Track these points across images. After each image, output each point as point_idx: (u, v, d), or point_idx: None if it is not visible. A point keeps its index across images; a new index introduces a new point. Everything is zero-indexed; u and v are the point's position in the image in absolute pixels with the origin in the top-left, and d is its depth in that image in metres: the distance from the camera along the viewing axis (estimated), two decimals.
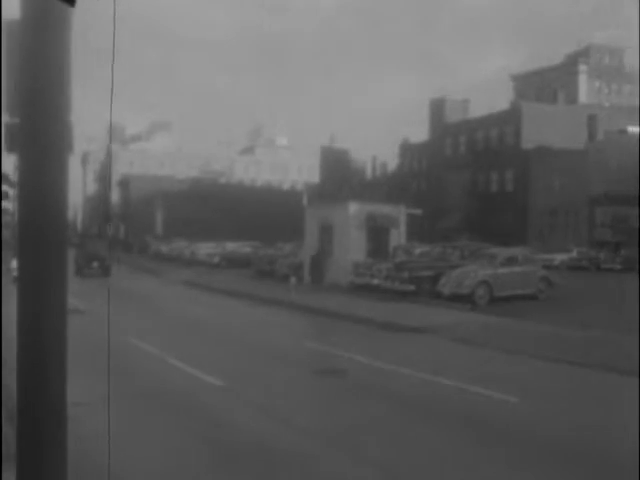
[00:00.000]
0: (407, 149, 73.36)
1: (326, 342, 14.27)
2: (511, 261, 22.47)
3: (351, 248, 25.53)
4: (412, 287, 21.99)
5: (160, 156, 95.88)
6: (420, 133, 70.66)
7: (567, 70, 79.06)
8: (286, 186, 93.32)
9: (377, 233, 26.37)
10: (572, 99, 72.46)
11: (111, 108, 3.27)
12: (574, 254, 43.81)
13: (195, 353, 12.60)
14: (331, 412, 8.75)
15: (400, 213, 27.49)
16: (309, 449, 7.03)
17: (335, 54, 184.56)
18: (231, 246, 42.79)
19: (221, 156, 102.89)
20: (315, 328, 17.65)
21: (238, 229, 52.76)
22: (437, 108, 68.83)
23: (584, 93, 76.92)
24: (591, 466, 6.63)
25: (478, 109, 67.67)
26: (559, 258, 41.70)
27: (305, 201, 56.65)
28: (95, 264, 31.76)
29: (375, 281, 23.10)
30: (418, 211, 30.82)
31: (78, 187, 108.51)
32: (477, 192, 61.87)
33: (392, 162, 76.62)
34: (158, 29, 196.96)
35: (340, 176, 72.82)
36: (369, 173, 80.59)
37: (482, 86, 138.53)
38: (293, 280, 22.61)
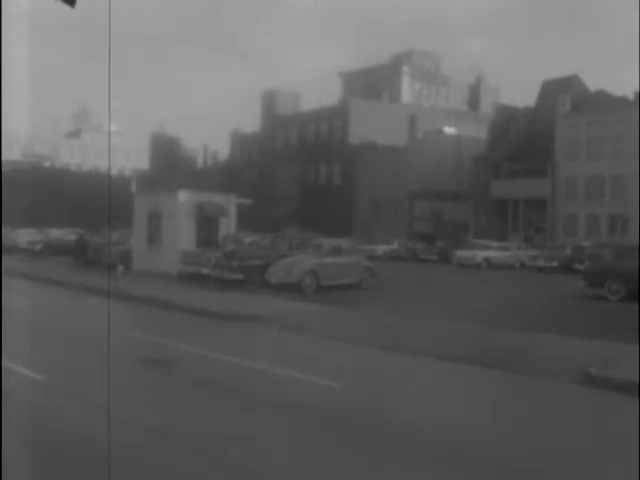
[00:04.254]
0: (239, 139, 73.44)
1: (153, 332, 14.09)
2: (337, 251, 23.39)
3: (180, 237, 25.33)
4: (241, 276, 22.25)
5: None
6: (252, 124, 71.00)
7: (391, 71, 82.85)
8: (114, 172, 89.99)
9: (207, 222, 26.32)
10: (395, 98, 76.10)
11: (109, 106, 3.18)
12: (395, 245, 46.25)
13: (11, 345, 11.99)
14: (157, 403, 8.65)
15: (230, 203, 27.62)
16: (135, 442, 6.94)
17: (169, 42, 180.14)
18: (55, 233, 40.73)
19: (45, 139, 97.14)
20: (142, 318, 17.31)
21: (63, 215, 50.35)
22: (269, 100, 69.48)
23: (406, 94, 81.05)
24: (408, 443, 7.15)
25: (309, 103, 69.18)
26: (381, 249, 43.89)
27: (134, 188, 55.04)
28: None
29: (204, 270, 23.09)
30: (248, 201, 31.11)
31: None
32: (306, 184, 63.33)
33: (224, 152, 76.37)
34: None
35: (170, 164, 71.51)
36: (200, 162, 79.77)
37: (313, 81, 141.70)
38: (120, 269, 22.06)
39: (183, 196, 26.32)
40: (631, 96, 52.93)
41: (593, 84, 59.51)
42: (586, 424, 8.09)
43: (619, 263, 21.80)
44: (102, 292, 20.36)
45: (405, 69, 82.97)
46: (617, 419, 8.31)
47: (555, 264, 34.58)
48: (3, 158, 72.49)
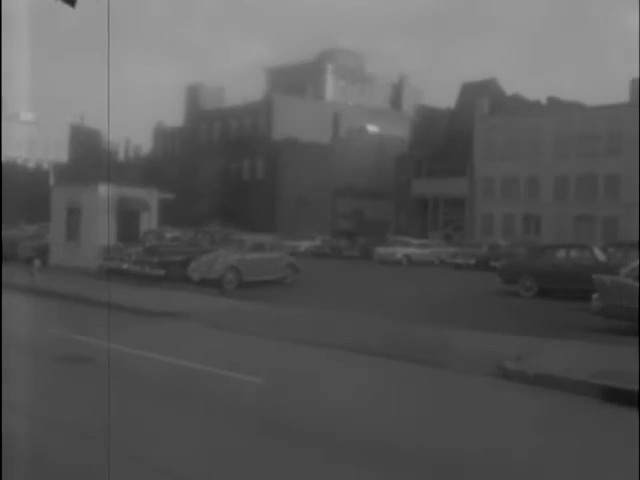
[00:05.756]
0: (161, 133, 72.31)
1: (72, 328, 13.77)
2: (259, 247, 23.41)
3: (100, 232, 24.79)
4: (162, 272, 21.98)
5: None
6: (175, 118, 70.05)
7: (316, 68, 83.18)
8: (31, 164, 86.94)
9: (128, 217, 25.86)
10: (319, 96, 76.50)
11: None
12: (318, 242, 46.56)
13: None
14: (75, 401, 8.48)
15: (152, 197, 27.23)
16: (54, 441, 6.82)
17: (89, 32, 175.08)
18: None
19: None
20: (60, 314, 16.88)
21: None
22: (192, 94, 68.68)
23: (330, 91, 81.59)
24: (331, 436, 7.28)
25: (233, 98, 68.69)
26: (304, 245, 44.12)
27: (52, 181, 53.42)
28: None
29: (125, 265, 22.69)
30: (171, 196, 30.74)
31: None
32: (229, 179, 62.97)
33: (146, 146, 74.99)
34: None
35: (90, 157, 69.70)
36: (121, 155, 78.05)
37: (237, 76, 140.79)
38: (37, 263, 21.42)
39: (103, 190, 25.77)
40: (544, 100, 55.07)
41: (509, 88, 61.57)
42: (499, 415, 8.42)
43: (532, 261, 22.68)
44: (17, 287, 19.74)
45: (329, 67, 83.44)
46: (529, 410, 8.69)
47: (472, 261, 35.67)
48: None
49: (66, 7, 2.97)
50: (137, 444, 6.79)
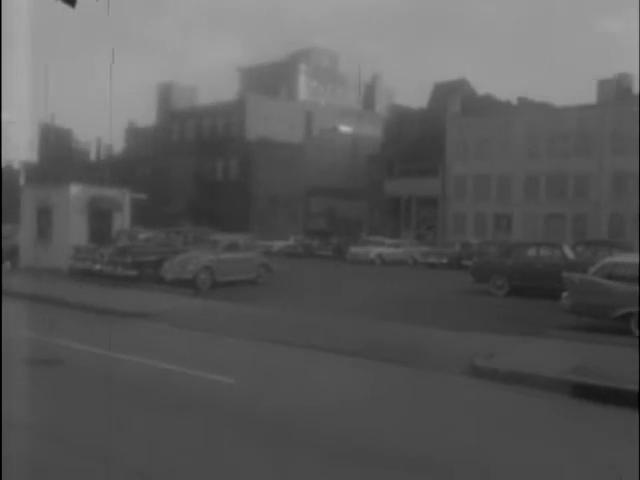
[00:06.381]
0: (133, 133, 71.74)
1: (43, 330, 13.62)
2: (233, 247, 23.36)
3: (72, 232, 24.56)
4: (135, 272, 21.84)
5: None
6: (147, 117, 69.59)
7: (289, 68, 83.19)
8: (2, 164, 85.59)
9: (100, 217, 25.66)
10: (292, 96, 76.52)
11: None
12: (291, 242, 46.58)
13: None
14: (47, 403, 8.39)
15: (124, 197, 27.04)
16: (26, 443, 6.76)
17: (59, 31, 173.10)
18: None
19: None
20: (31, 316, 16.69)
21: None
22: (165, 93, 68.25)
23: (303, 91, 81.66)
24: (302, 434, 7.33)
25: (206, 98, 68.41)
26: (278, 245, 44.15)
27: (22, 181, 52.72)
28: None
29: (97, 266, 22.50)
30: (143, 196, 30.54)
31: None
32: (202, 179, 62.69)
33: (118, 145, 74.34)
34: None
35: (61, 157, 68.90)
36: (93, 155, 77.30)
37: (210, 76, 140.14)
38: (7, 265, 21.18)
39: (75, 190, 25.53)
40: (514, 101, 55.69)
41: (480, 88, 62.16)
42: (470, 413, 8.53)
43: (503, 260, 22.93)
44: None
45: (302, 67, 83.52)
46: (499, 407, 8.82)
47: (445, 260, 35.96)
48: None
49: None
50: (108, 444, 6.75)
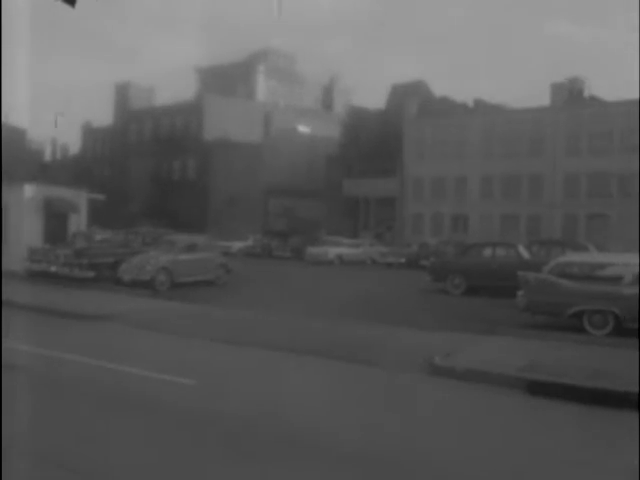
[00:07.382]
0: (90, 133, 70.72)
1: None
2: (191, 248, 23.25)
3: (27, 233, 24.14)
4: (92, 274, 21.58)
5: None
6: (104, 117, 68.61)
7: (247, 68, 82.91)
8: None
9: (55, 218, 25.27)
10: (251, 96, 76.30)
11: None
12: (250, 242, 46.44)
13: None
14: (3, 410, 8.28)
15: (81, 198, 26.68)
16: None
17: (15, 29, 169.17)
18: None
19: None
20: None
21: None
22: (122, 93, 67.43)
23: (261, 91, 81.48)
24: (263, 435, 7.37)
25: (163, 97, 67.78)
26: (237, 245, 43.99)
27: None
28: None
29: (53, 268, 22.16)
30: (100, 196, 30.17)
31: None
32: (160, 179, 62.16)
33: (74, 145, 73.17)
34: None
35: (15, 156, 67.47)
36: (48, 155, 75.92)
37: (168, 75, 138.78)
38: None
39: (29, 190, 25.09)
40: (471, 103, 56.52)
41: (437, 90, 62.85)
42: (428, 411, 8.68)
43: (460, 259, 23.28)
44: None
45: (260, 67, 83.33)
46: (457, 405, 8.98)
47: (403, 260, 36.29)
48: None
49: None
50: (62, 449, 6.72)
